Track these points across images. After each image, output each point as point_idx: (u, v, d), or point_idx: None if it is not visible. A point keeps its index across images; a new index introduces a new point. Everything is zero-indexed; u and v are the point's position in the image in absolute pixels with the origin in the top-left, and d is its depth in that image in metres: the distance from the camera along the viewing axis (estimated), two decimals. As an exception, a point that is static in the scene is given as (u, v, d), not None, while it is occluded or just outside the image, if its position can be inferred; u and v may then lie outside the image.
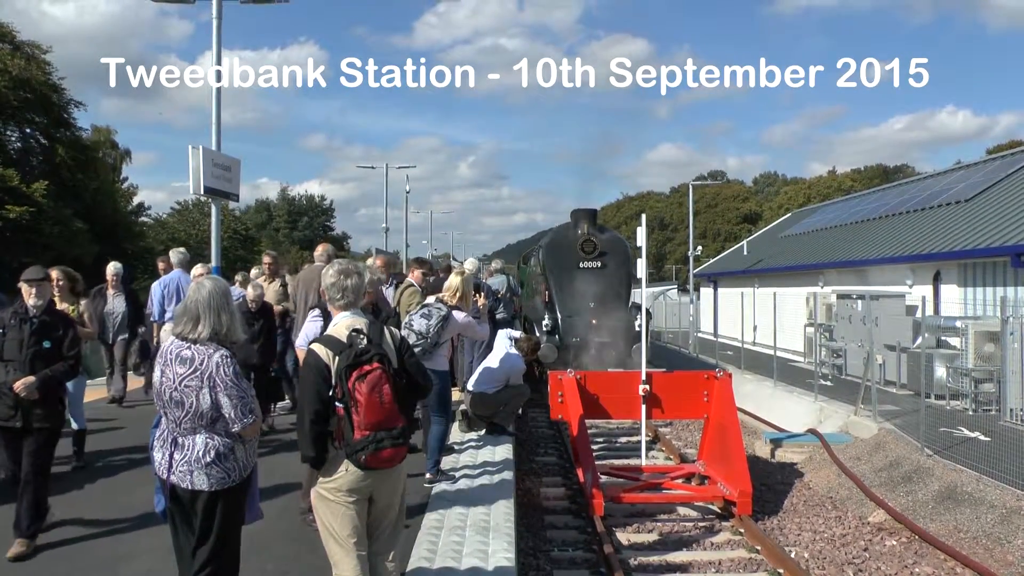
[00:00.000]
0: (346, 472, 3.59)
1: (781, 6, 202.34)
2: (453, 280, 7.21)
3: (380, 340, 3.68)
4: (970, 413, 12.97)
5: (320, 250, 9.45)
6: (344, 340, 3.60)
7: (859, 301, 17.52)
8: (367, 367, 3.49)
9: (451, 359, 8.51)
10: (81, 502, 6.27)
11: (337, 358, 3.54)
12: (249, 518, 3.78)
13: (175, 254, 10.27)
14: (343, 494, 3.62)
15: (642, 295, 11.20)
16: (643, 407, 9.46)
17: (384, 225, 43.72)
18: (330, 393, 3.54)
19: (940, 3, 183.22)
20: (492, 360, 9.43)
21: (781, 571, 7.07)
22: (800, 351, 21.36)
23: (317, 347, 3.64)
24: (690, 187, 46.25)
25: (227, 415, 3.50)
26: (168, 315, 9.37)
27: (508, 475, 7.55)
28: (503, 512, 6.35)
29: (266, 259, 11.49)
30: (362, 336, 3.60)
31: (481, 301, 7.94)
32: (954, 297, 17.16)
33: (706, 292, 37.60)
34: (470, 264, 12.26)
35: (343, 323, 3.74)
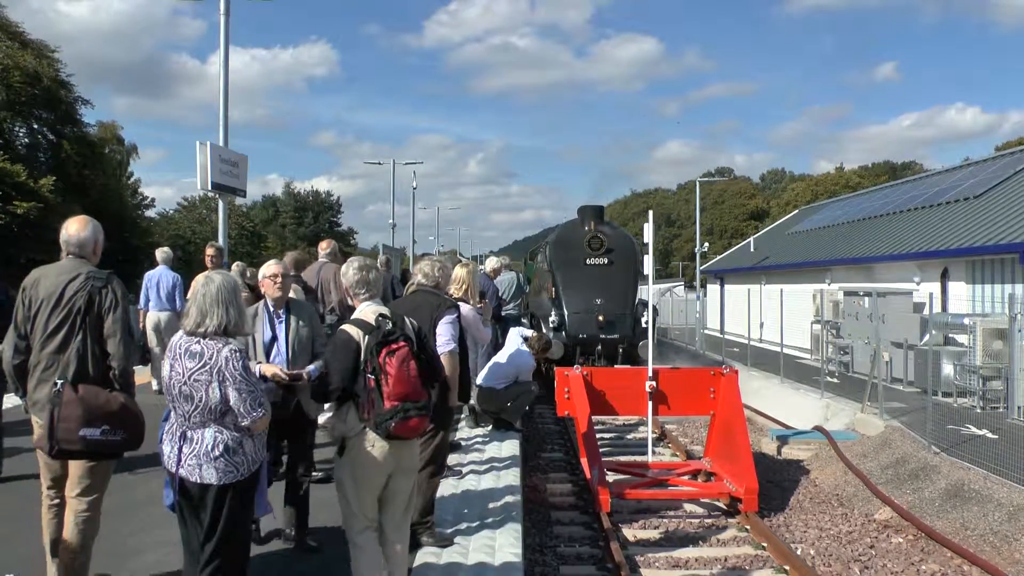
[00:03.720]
0: (373, 448, 3.92)
1: (790, 6, 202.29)
2: (459, 272, 7.14)
3: (404, 325, 4.04)
4: (977, 411, 12.92)
5: (325, 246, 9.52)
6: (373, 323, 3.96)
7: (866, 298, 17.47)
8: (395, 345, 3.87)
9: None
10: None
11: (367, 337, 3.90)
12: (258, 512, 3.80)
13: (160, 253, 10.96)
14: (369, 470, 3.97)
15: (648, 292, 11.19)
16: (650, 404, 9.47)
17: (391, 221, 43.71)
18: (361, 368, 3.87)
19: (949, 2, 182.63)
20: (501, 356, 9.43)
21: (787, 568, 7.07)
22: (807, 348, 21.30)
23: (348, 327, 4.03)
24: (697, 184, 46.15)
25: (236, 409, 3.51)
26: (153, 305, 10.37)
27: (515, 471, 7.56)
28: (510, 508, 6.36)
29: (209, 251, 10.08)
30: (388, 320, 3.97)
31: (482, 304, 7.92)
32: (962, 294, 17.09)
33: (712, 289, 37.52)
34: (492, 263, 12.15)
35: (368, 310, 4.11)
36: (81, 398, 3.91)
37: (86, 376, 4.01)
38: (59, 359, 4.03)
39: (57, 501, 4.23)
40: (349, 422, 3.97)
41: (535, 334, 10.62)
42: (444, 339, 5.24)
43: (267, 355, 4.98)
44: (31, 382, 4.12)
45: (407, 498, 4.22)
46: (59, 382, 3.95)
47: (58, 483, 4.21)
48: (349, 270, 4.25)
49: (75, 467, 4.10)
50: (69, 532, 4.09)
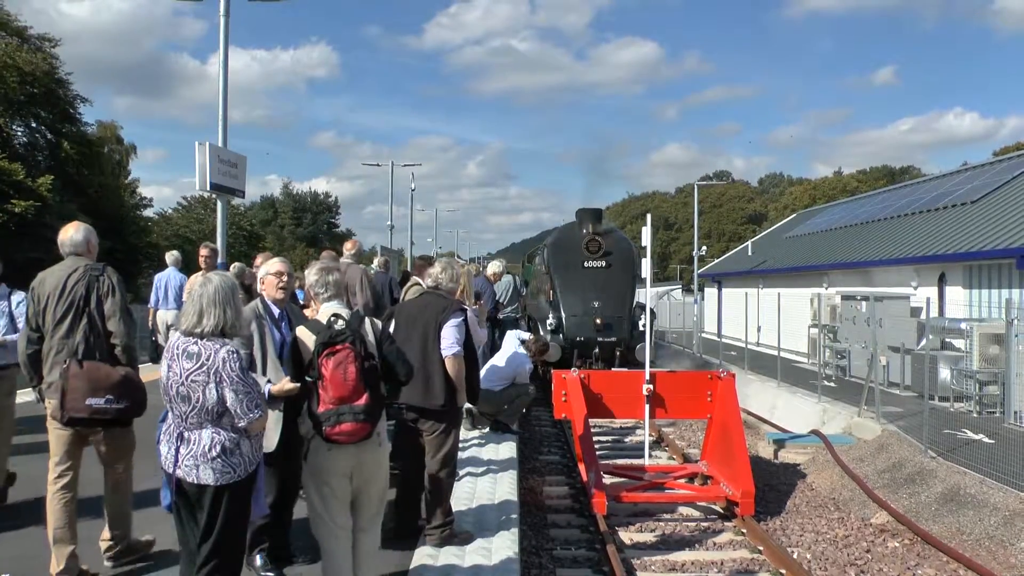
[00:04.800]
0: (327, 453, 3.95)
1: (789, 10, 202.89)
2: None
3: (358, 326, 4.02)
4: (974, 415, 12.95)
5: (350, 246, 9.76)
6: (325, 324, 3.99)
7: (863, 302, 17.49)
8: (338, 347, 3.85)
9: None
10: (85, 492, 6.28)
11: (315, 338, 3.94)
12: (255, 513, 3.80)
13: (169, 256, 11.68)
14: (326, 474, 4.00)
15: (647, 295, 11.19)
16: (647, 407, 9.46)
17: (389, 223, 43.74)
18: (305, 370, 3.95)
19: (947, 8, 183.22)
20: (499, 359, 9.43)
21: (783, 572, 7.07)
22: (804, 352, 21.33)
23: (300, 330, 4.11)
24: (695, 187, 46.11)
25: (233, 410, 3.51)
26: (162, 304, 11.00)
27: (512, 473, 7.57)
28: (506, 510, 6.37)
29: (203, 251, 9.89)
30: (341, 320, 3.97)
31: (478, 304, 7.96)
32: (959, 299, 17.12)
33: (710, 292, 37.54)
34: (494, 266, 12.18)
35: (326, 310, 4.13)
36: (86, 372, 4.44)
37: (92, 355, 4.52)
38: (67, 343, 4.54)
39: (68, 477, 4.64)
40: (305, 424, 4.01)
41: (532, 336, 10.62)
42: (448, 342, 5.29)
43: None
44: (46, 367, 4.62)
45: (377, 502, 4.25)
46: (67, 360, 4.47)
47: (70, 455, 4.65)
48: (311, 272, 4.34)
49: (101, 439, 4.68)
50: (108, 493, 4.78)
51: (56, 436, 4.64)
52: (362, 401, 3.84)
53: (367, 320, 4.18)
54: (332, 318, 3.98)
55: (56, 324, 4.56)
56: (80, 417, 4.45)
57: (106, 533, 4.82)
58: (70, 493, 4.64)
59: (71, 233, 4.78)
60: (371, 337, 4.09)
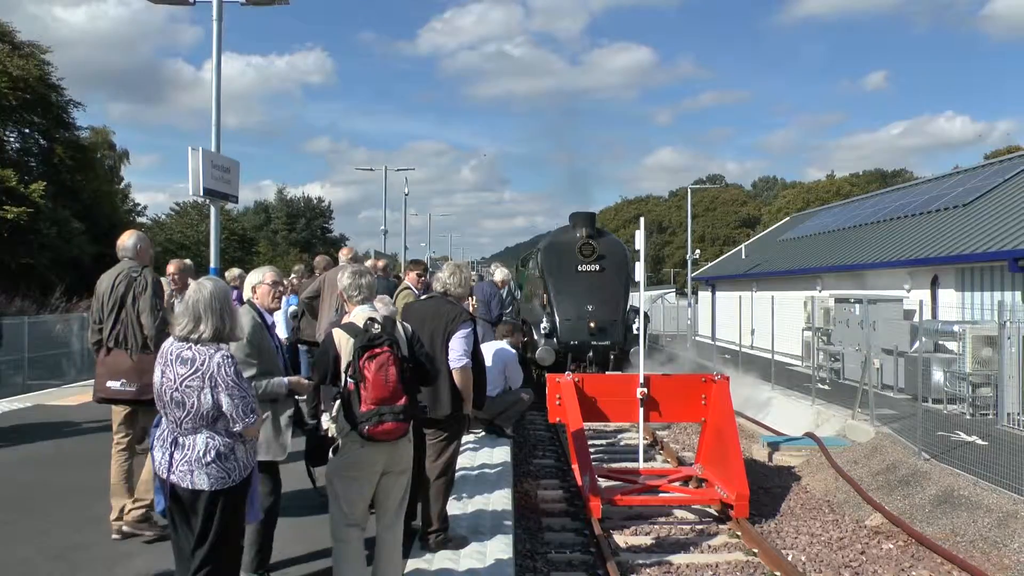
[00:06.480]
0: (360, 449, 4.07)
1: (782, 16, 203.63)
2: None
3: (392, 330, 4.17)
4: (967, 417, 12.98)
5: (346, 252, 9.92)
6: (361, 327, 4.11)
7: (857, 305, 17.55)
8: (377, 350, 3.98)
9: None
10: (80, 500, 6.27)
11: (353, 340, 4.05)
12: (249, 518, 3.79)
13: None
14: (357, 468, 4.14)
15: (640, 298, 11.21)
16: (641, 410, 9.47)
17: (383, 227, 43.66)
18: (344, 371, 4.07)
19: (938, 14, 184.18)
20: (487, 363, 9.40)
21: (778, 574, 7.09)
22: (798, 355, 21.37)
23: (336, 331, 4.22)
24: (688, 191, 46.27)
25: (229, 415, 3.51)
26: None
27: (506, 477, 7.57)
28: (501, 514, 6.37)
29: (171, 268, 7.74)
30: (377, 324, 4.09)
31: (472, 307, 7.96)
32: (952, 301, 17.18)
33: (704, 296, 37.60)
34: (501, 273, 12.17)
35: (361, 314, 4.26)
36: (106, 360, 5.28)
37: (126, 344, 5.33)
38: (114, 333, 5.36)
39: (124, 444, 5.53)
40: (340, 422, 4.12)
41: (503, 324, 10.45)
42: (456, 354, 5.30)
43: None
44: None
45: (400, 499, 4.34)
46: (99, 350, 5.26)
47: (120, 430, 5.52)
48: (344, 275, 4.49)
49: (116, 414, 5.50)
50: (112, 465, 5.45)
51: (114, 412, 5.53)
52: (402, 402, 4.01)
53: (398, 324, 4.33)
54: (368, 321, 4.11)
55: (107, 317, 5.39)
56: (105, 397, 5.26)
57: (114, 504, 5.37)
58: (126, 454, 5.47)
59: (125, 240, 5.64)
60: (403, 340, 4.25)
